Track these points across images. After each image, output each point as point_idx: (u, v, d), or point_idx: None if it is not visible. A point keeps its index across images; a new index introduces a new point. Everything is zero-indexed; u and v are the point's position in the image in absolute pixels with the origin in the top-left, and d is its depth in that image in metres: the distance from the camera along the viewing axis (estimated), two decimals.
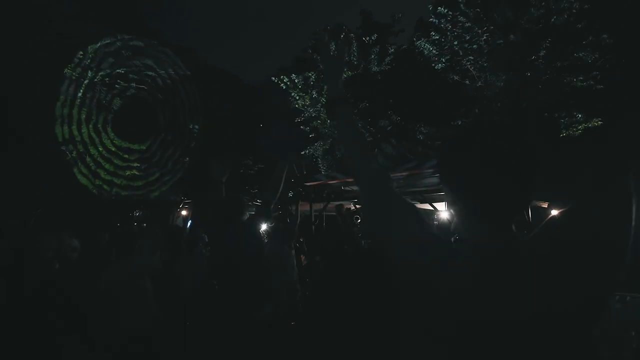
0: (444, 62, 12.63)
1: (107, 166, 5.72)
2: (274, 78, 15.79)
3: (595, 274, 0.75)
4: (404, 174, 7.62)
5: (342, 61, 1.21)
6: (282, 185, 2.79)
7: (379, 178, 1.00)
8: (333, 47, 1.21)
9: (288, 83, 15.52)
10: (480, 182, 0.84)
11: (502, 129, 0.88)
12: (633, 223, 0.76)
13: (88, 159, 5.49)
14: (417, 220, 0.91)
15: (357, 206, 9.05)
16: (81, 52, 5.61)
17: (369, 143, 15.45)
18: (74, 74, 5.48)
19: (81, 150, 5.49)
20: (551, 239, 0.81)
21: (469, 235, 0.89)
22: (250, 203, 14.88)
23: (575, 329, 0.74)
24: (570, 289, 0.75)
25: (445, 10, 11.83)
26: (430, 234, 0.89)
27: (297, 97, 15.48)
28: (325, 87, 1.22)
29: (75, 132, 5.46)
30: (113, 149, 5.81)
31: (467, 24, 11.68)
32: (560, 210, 0.88)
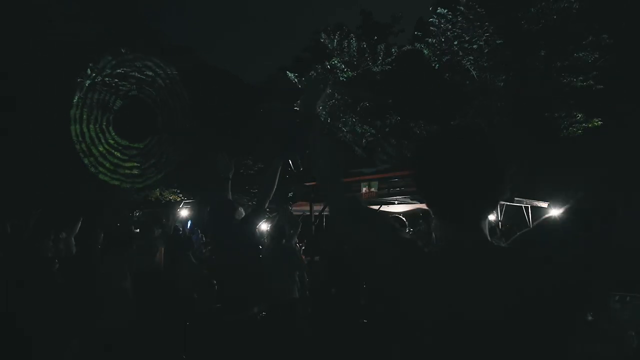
0: (443, 61, 12.64)
1: (111, 159, 6.82)
2: (289, 74, 15.76)
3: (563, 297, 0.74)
4: (405, 173, 7.63)
5: (322, 89, 1.32)
6: (276, 183, 2.77)
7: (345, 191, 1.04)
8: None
9: (302, 79, 15.43)
10: (444, 184, 0.84)
11: (471, 131, 0.89)
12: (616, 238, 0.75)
13: (95, 153, 6.66)
14: (385, 229, 0.93)
15: None
16: (91, 64, 6.52)
17: (372, 142, 15.51)
18: (84, 81, 6.35)
19: (90, 146, 6.61)
20: (526, 247, 0.80)
21: (440, 236, 0.89)
22: (250, 203, 14.88)
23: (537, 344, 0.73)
24: (536, 302, 0.73)
25: (445, 11, 11.83)
26: (402, 240, 0.90)
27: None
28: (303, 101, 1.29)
29: (85, 130, 6.52)
30: (115, 146, 6.90)
31: (466, 25, 11.69)
32: (544, 219, 0.87)
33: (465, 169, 0.82)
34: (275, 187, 2.77)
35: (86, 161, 6.51)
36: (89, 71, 6.53)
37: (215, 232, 3.20)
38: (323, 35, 15.14)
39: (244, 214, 3.18)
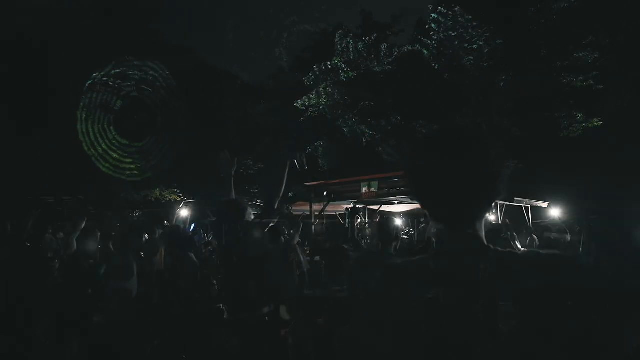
0: (443, 62, 12.64)
1: (113, 155, 7.46)
2: (303, 77, 15.68)
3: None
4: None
5: None
6: (284, 183, 2.75)
7: None
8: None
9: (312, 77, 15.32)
10: (436, 185, 0.83)
11: (463, 132, 0.89)
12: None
13: (100, 150, 7.29)
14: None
15: (358, 206, 9.07)
16: (97, 72, 7.19)
17: (371, 142, 15.54)
18: (90, 83, 7.00)
19: (94, 143, 7.26)
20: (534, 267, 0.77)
21: (437, 239, 0.89)
22: (250, 203, 14.88)
23: None
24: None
25: (437, 17, 11.83)
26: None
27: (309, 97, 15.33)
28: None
29: (90, 129, 7.24)
30: (117, 144, 7.50)
31: (462, 27, 11.68)
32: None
33: (457, 170, 0.81)
34: (284, 186, 2.74)
35: (91, 156, 7.19)
36: (94, 74, 7.14)
37: (226, 232, 3.16)
38: (342, 41, 14.97)
39: (252, 215, 3.16)
